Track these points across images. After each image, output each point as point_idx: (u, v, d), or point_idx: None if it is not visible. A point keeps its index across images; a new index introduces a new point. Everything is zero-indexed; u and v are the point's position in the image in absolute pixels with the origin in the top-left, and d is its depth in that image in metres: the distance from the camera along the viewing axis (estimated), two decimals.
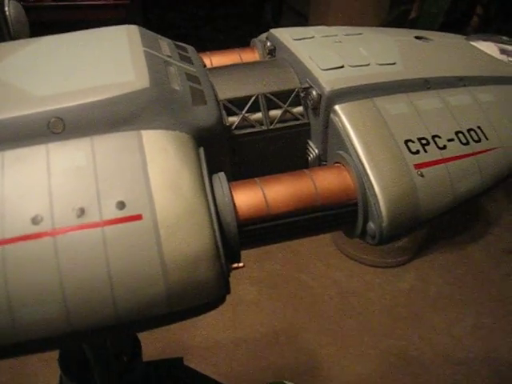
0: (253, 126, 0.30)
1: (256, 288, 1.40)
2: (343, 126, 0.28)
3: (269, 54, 0.36)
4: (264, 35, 0.37)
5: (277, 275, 1.44)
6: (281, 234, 0.27)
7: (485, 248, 1.55)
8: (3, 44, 0.31)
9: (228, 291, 0.25)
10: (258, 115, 0.31)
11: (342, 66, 0.30)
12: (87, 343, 0.25)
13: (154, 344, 1.18)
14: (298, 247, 1.53)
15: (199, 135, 0.27)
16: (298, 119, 0.31)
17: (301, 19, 1.97)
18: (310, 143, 0.32)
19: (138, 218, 0.23)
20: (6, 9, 0.44)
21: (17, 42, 0.31)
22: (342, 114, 0.28)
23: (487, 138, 0.30)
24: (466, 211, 1.68)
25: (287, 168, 0.29)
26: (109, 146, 0.25)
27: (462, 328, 1.32)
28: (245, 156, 0.31)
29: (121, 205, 0.23)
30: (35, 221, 0.22)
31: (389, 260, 1.46)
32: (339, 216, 0.27)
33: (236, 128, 0.30)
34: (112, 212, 0.23)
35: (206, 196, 0.24)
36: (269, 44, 0.36)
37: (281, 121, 0.31)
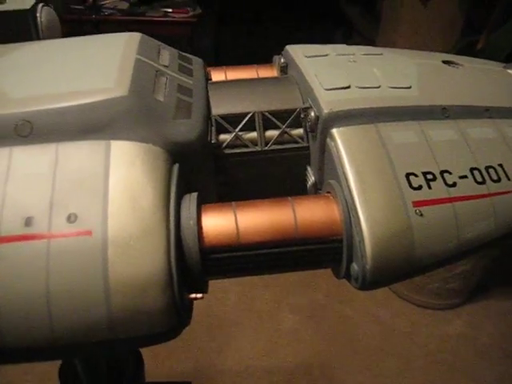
0: (246, 146, 0.28)
1: (296, 316, 1.36)
2: (337, 151, 0.25)
3: (281, 71, 0.34)
4: (279, 56, 0.35)
5: (319, 305, 1.39)
6: (251, 267, 0.24)
7: None
8: (6, 45, 0.31)
9: (183, 323, 0.22)
10: (253, 134, 0.28)
11: (349, 87, 0.27)
12: (28, 361, 0.23)
13: (185, 363, 1.17)
14: (343, 280, 1.47)
15: (177, 151, 0.25)
16: (296, 142, 0.28)
17: (369, 44, 1.93)
18: (309, 169, 0.29)
19: (88, 233, 0.21)
20: (38, 15, 0.44)
21: (19, 44, 0.31)
22: (338, 138, 0.25)
23: (509, 179, 0.26)
24: None
25: (284, 194, 0.26)
26: (73, 155, 0.23)
27: None
28: (235, 177, 0.28)
29: (73, 217, 0.21)
30: None
31: (439, 302, 1.37)
32: (321, 253, 0.24)
33: (227, 147, 0.28)
34: (61, 224, 0.21)
35: (167, 216, 0.22)
36: (282, 61, 0.34)
37: (278, 142, 0.28)
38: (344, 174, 0.24)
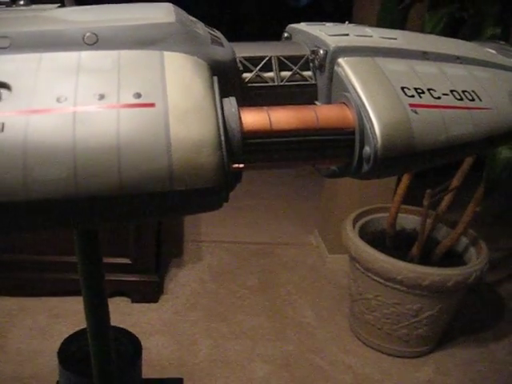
0: (265, 82, 0.34)
1: (268, 366, 1.35)
2: (345, 73, 0.31)
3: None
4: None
5: (290, 356, 1.39)
6: (281, 153, 0.28)
7: (510, 348, 1.48)
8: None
9: (230, 186, 0.26)
10: (270, 74, 0.34)
11: (348, 35, 0.34)
12: (90, 222, 0.26)
13: None
14: (314, 330, 1.49)
15: (215, 67, 0.30)
16: (306, 80, 0.34)
17: None
18: (317, 103, 0.34)
19: (152, 105, 0.26)
20: None
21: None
22: (345, 64, 0.31)
23: (481, 100, 0.32)
24: (490, 309, 1.63)
25: None
26: (133, 57, 0.28)
27: None
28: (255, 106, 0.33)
29: (137, 95, 0.26)
30: (59, 100, 0.25)
31: (408, 349, 1.40)
32: (337, 142, 0.29)
33: (249, 82, 0.33)
34: (128, 99, 0.26)
35: (213, 100, 0.27)
36: (285, 35, 0.40)
37: (290, 80, 0.34)
38: (353, 86, 0.30)
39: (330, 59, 0.32)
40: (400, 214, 1.46)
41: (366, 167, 0.29)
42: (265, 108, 0.29)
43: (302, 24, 0.39)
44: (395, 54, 0.33)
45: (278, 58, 0.34)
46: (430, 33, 1.05)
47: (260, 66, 0.34)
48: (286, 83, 0.34)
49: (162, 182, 0.25)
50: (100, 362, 0.46)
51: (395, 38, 0.35)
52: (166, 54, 0.29)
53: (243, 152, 0.27)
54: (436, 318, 1.33)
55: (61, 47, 0.28)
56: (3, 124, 0.24)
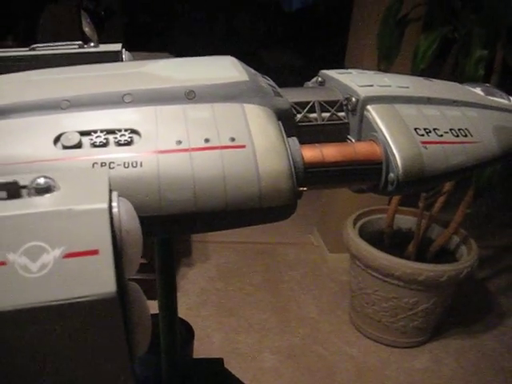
0: (310, 121, 0.45)
1: (276, 357, 1.46)
2: (373, 117, 0.42)
3: (319, 85, 0.51)
4: (315, 78, 0.53)
5: (295, 347, 1.50)
6: (330, 178, 0.40)
7: (498, 338, 1.60)
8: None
9: (295, 205, 0.37)
10: (314, 115, 0.45)
11: (372, 85, 0.45)
12: (204, 230, 0.37)
13: None
14: (317, 323, 1.60)
15: (278, 114, 0.41)
16: (341, 119, 0.45)
17: None
18: (349, 137, 0.45)
19: (243, 146, 0.36)
20: (123, 56, 0.60)
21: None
22: (372, 110, 0.42)
23: (472, 136, 0.43)
24: (480, 302, 1.75)
25: None
26: (223, 109, 0.39)
27: None
28: (302, 140, 0.44)
29: (232, 139, 0.37)
30: (178, 143, 0.36)
31: (405, 340, 1.51)
32: (368, 170, 0.40)
33: (299, 121, 0.44)
34: (227, 141, 0.36)
35: (284, 141, 0.38)
36: (320, 79, 0.51)
37: (329, 120, 0.45)
38: (379, 127, 0.41)
39: (361, 106, 0.43)
40: (396, 215, 1.58)
41: (390, 188, 0.40)
42: (317, 145, 0.40)
43: (333, 72, 0.50)
44: (408, 100, 0.44)
45: (320, 103, 0.45)
46: (425, 52, 1.17)
47: (306, 109, 0.45)
48: (326, 122, 0.45)
49: (254, 202, 0.35)
50: (168, 343, 0.56)
51: (407, 87, 0.46)
52: (246, 105, 0.39)
53: (305, 178, 0.38)
54: (431, 310, 1.45)
55: (168, 101, 0.39)
56: (141, 162, 0.35)
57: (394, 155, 0.39)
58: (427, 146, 0.41)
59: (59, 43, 0.62)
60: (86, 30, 1.78)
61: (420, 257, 1.47)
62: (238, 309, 1.64)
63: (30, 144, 0.36)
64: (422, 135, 0.41)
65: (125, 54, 0.62)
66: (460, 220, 1.45)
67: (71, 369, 0.26)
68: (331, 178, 0.40)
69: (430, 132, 0.42)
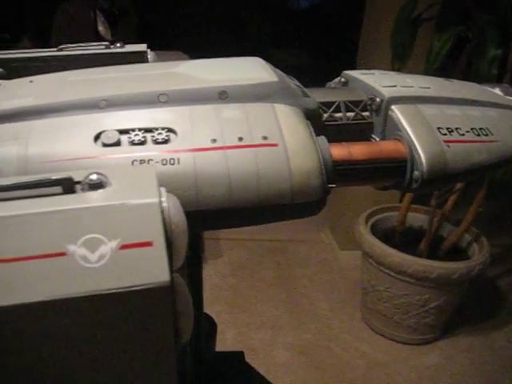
0: (336, 120, 0.46)
1: (289, 353, 1.47)
2: (397, 117, 0.44)
3: (342, 85, 0.53)
4: (338, 78, 0.54)
5: (308, 343, 1.52)
6: (357, 176, 0.41)
7: (508, 335, 1.61)
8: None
9: (325, 201, 0.39)
10: (339, 114, 0.46)
11: (395, 86, 0.46)
12: (238, 225, 0.38)
13: None
14: (329, 320, 1.61)
15: (307, 114, 0.42)
16: (365, 119, 0.47)
17: None
18: (373, 136, 0.47)
19: (275, 145, 0.38)
20: (149, 56, 0.62)
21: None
22: (397, 110, 0.44)
23: (492, 134, 0.45)
24: (490, 300, 1.76)
25: None
26: (255, 108, 0.40)
27: None
28: (329, 140, 0.46)
29: (264, 138, 0.38)
30: (213, 141, 0.38)
31: (415, 337, 1.53)
32: (394, 168, 0.42)
33: (325, 121, 0.46)
34: (259, 140, 0.38)
35: (314, 140, 0.39)
36: (343, 79, 0.53)
37: (354, 119, 0.47)
38: (403, 127, 0.43)
39: (385, 106, 0.45)
40: (408, 213, 1.59)
41: (414, 185, 0.42)
42: (344, 144, 0.42)
43: (356, 72, 0.51)
44: (430, 100, 0.46)
45: (345, 102, 0.47)
46: (438, 52, 1.18)
47: (332, 108, 0.46)
48: (351, 122, 0.46)
49: (286, 198, 0.37)
50: (193, 337, 0.58)
51: (429, 87, 0.48)
52: (276, 105, 0.41)
53: (333, 176, 0.40)
54: (442, 307, 1.46)
55: (202, 101, 0.41)
56: (179, 159, 0.37)
57: (418, 154, 0.41)
58: (450, 144, 0.42)
59: (86, 44, 0.63)
60: (101, 29, 1.81)
61: (432, 254, 1.49)
62: (250, 305, 1.66)
63: (72, 142, 0.37)
64: (445, 134, 0.43)
65: (150, 55, 0.64)
66: (472, 218, 1.45)
67: (121, 353, 0.28)
68: (358, 176, 0.42)
69: (452, 131, 0.43)
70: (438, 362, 1.48)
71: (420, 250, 1.51)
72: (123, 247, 0.25)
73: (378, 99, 0.45)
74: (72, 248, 0.25)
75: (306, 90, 0.46)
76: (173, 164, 0.37)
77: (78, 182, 0.28)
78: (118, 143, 0.37)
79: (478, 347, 1.54)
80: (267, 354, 1.47)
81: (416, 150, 0.41)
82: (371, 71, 0.52)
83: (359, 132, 0.47)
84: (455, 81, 0.53)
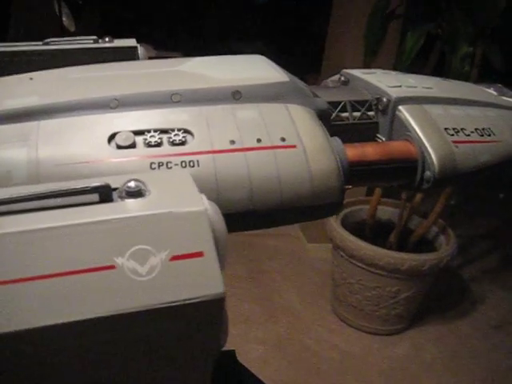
0: (342, 120, 0.46)
1: (262, 347, 1.48)
2: (405, 118, 0.44)
3: (342, 85, 0.53)
4: (336, 76, 0.54)
5: (281, 337, 1.53)
6: (370, 176, 0.41)
7: (472, 323, 1.67)
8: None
9: (342, 202, 0.39)
10: (345, 114, 0.47)
11: (400, 86, 0.47)
12: (261, 226, 0.38)
13: None
14: (300, 313, 1.63)
15: (318, 114, 0.42)
16: (370, 119, 0.47)
17: None
18: (378, 135, 0.47)
19: (294, 147, 0.38)
20: (140, 52, 0.60)
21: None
22: (404, 111, 0.44)
23: (495, 135, 0.46)
24: (454, 290, 1.82)
25: None
26: (269, 109, 0.40)
27: None
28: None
29: (282, 139, 0.38)
30: (232, 142, 0.37)
31: (386, 328, 1.56)
32: (405, 168, 0.42)
33: (332, 120, 0.46)
34: (278, 142, 0.38)
35: (328, 140, 0.39)
36: (343, 78, 0.53)
37: (360, 119, 0.47)
38: (413, 128, 0.43)
39: (392, 106, 0.45)
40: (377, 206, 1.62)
41: (425, 185, 0.42)
42: (357, 144, 0.42)
43: (357, 71, 0.51)
44: (434, 101, 0.47)
45: (351, 102, 0.47)
46: (411, 49, 1.20)
47: (339, 108, 0.46)
48: (358, 121, 0.47)
49: (307, 200, 0.37)
50: None
51: (431, 88, 0.48)
52: (289, 106, 0.41)
53: (349, 176, 0.40)
54: (411, 298, 1.50)
55: (215, 101, 0.40)
56: (198, 161, 0.36)
57: (429, 154, 0.41)
58: (458, 145, 0.43)
59: (73, 38, 0.61)
60: (64, 20, 1.74)
61: (400, 247, 1.52)
62: None
63: (84, 144, 0.36)
64: (452, 135, 0.44)
65: (140, 50, 0.62)
66: (439, 211, 1.50)
67: (163, 363, 0.27)
68: (371, 177, 0.42)
69: (458, 132, 0.44)
70: (408, 351, 1.52)
71: (389, 242, 1.54)
72: (173, 258, 0.24)
73: (384, 99, 0.46)
74: (120, 261, 0.23)
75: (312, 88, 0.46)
76: (192, 166, 0.36)
77: (115, 189, 0.27)
78: (133, 145, 0.36)
79: (446, 336, 1.60)
80: (241, 349, 1.47)
81: (427, 150, 0.42)
82: (372, 70, 0.52)
83: (365, 132, 0.47)
84: (452, 81, 0.54)
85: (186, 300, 0.23)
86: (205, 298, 0.24)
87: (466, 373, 1.46)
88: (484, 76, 1.28)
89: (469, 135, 0.44)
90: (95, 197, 0.26)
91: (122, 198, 0.26)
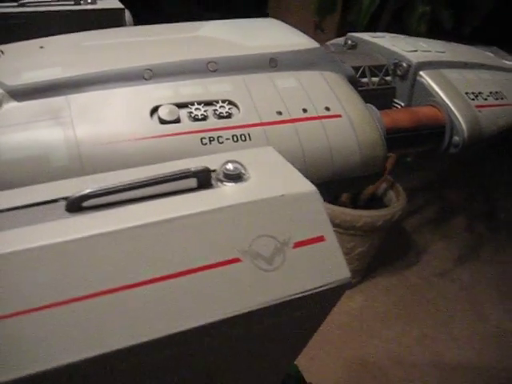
0: (362, 86, 0.46)
1: None
2: (428, 83, 0.44)
3: (349, 49, 0.52)
4: (340, 39, 0.53)
5: None
6: (402, 143, 0.42)
7: (418, 273, 1.77)
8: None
9: (383, 171, 0.39)
10: (365, 80, 0.46)
11: (416, 51, 0.47)
12: None
13: None
14: None
15: (349, 81, 0.41)
16: (388, 84, 0.47)
17: None
18: (396, 100, 0.47)
19: (339, 116, 0.37)
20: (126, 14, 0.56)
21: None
22: (426, 76, 0.45)
23: (506, 98, 0.47)
24: (400, 242, 1.91)
25: None
26: (307, 77, 0.39)
27: (410, 339, 1.49)
28: None
29: (327, 109, 0.37)
30: (279, 113, 0.36)
31: None
32: (434, 134, 0.43)
33: None
34: (323, 111, 0.37)
35: (368, 109, 0.39)
36: (350, 42, 0.52)
37: (378, 84, 0.47)
38: (437, 93, 0.44)
39: (413, 71, 0.45)
40: None
41: (453, 150, 0.43)
42: (387, 111, 0.42)
43: (365, 35, 0.51)
44: (449, 65, 0.47)
45: (369, 67, 0.46)
46: (368, 7, 1.21)
47: (358, 74, 0.46)
48: (377, 87, 0.46)
49: (357, 170, 0.36)
50: None
51: (444, 51, 0.49)
52: (325, 73, 0.40)
53: (386, 143, 0.40)
54: (365, 253, 1.56)
55: (252, 69, 0.38)
56: (249, 134, 0.34)
57: (457, 119, 0.42)
58: (481, 109, 0.44)
59: None
60: None
61: (353, 204, 1.57)
62: None
63: (125, 120, 0.33)
64: (473, 99, 0.45)
65: (127, 13, 0.58)
66: (391, 168, 1.55)
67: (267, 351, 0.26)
68: (402, 143, 0.42)
69: (477, 96, 0.45)
70: (362, 303, 1.59)
71: (342, 201, 1.58)
72: (296, 245, 0.23)
73: (404, 64, 0.46)
74: (244, 253, 0.22)
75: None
76: (244, 140, 0.34)
77: (213, 171, 0.25)
78: (178, 119, 0.34)
79: (395, 286, 1.68)
80: None
81: (455, 116, 0.42)
82: (380, 34, 0.51)
83: (382, 97, 0.47)
84: (458, 44, 0.55)
85: (316, 288, 0.22)
86: (333, 285, 0.23)
87: (416, 320, 1.55)
88: (431, 34, 1.31)
89: (486, 99, 0.46)
90: (192, 182, 0.24)
91: (220, 181, 0.24)
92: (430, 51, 0.48)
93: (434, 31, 1.31)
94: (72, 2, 0.57)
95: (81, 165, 0.31)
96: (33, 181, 0.31)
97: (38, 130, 0.32)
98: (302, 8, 1.59)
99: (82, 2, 0.57)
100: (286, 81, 0.38)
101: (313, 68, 0.40)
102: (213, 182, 0.24)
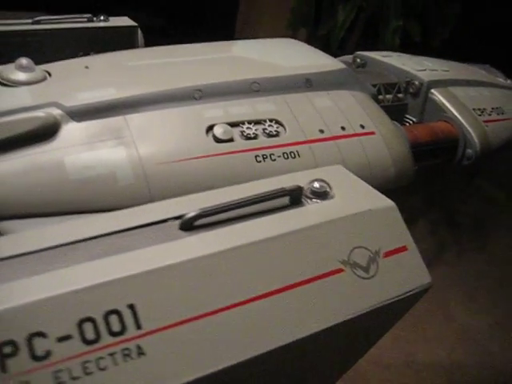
0: (379, 103, 0.49)
1: None
2: (440, 101, 0.48)
3: (358, 67, 0.56)
4: (348, 57, 0.57)
5: None
6: (421, 156, 0.45)
7: None
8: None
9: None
10: (380, 97, 0.50)
11: (425, 69, 0.51)
12: None
13: None
14: None
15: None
16: (401, 101, 0.51)
17: None
18: (408, 116, 0.51)
19: (373, 133, 0.40)
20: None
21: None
22: (437, 93, 0.49)
23: (505, 113, 0.52)
24: None
25: None
26: (339, 96, 0.41)
27: (384, 340, 1.54)
28: None
29: (362, 126, 0.40)
30: (321, 131, 0.38)
31: None
32: (448, 147, 0.46)
33: None
34: (359, 129, 0.39)
35: (395, 125, 0.42)
36: (359, 60, 0.55)
37: (392, 100, 0.50)
38: (449, 109, 0.47)
39: (425, 89, 0.49)
40: None
41: (465, 162, 0.47)
42: (408, 126, 0.45)
43: (373, 54, 0.54)
44: (455, 83, 0.51)
45: (384, 85, 0.50)
46: (344, 22, 1.25)
47: (375, 90, 0.49)
48: (392, 103, 0.50)
49: (392, 183, 0.39)
50: None
51: (448, 70, 0.53)
52: (353, 92, 0.43)
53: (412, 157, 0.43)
54: None
55: (290, 89, 0.40)
56: (297, 151, 0.37)
57: (470, 134, 0.46)
58: (487, 124, 0.48)
59: (66, 16, 0.57)
60: None
61: None
62: None
63: (182, 139, 0.35)
64: (480, 115, 0.49)
65: (139, 30, 0.59)
66: None
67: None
68: (421, 156, 0.46)
69: (483, 112, 0.49)
70: None
71: None
72: (386, 255, 0.25)
73: (416, 83, 0.49)
74: (346, 263, 0.24)
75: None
76: (294, 157, 0.37)
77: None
78: (232, 138, 0.36)
79: None
80: None
81: (467, 130, 0.46)
82: (387, 53, 0.55)
83: (396, 113, 0.51)
84: (454, 62, 0.59)
85: (406, 293, 0.25)
86: (418, 290, 0.25)
87: None
88: (402, 47, 1.38)
89: (490, 114, 0.50)
90: (284, 200, 0.26)
91: (309, 198, 0.27)
92: (436, 70, 0.52)
93: (404, 44, 1.37)
94: (85, 19, 0.58)
95: (146, 183, 0.33)
96: (101, 199, 0.32)
97: (102, 149, 0.33)
98: (274, 21, 1.62)
99: (95, 19, 0.58)
100: (322, 100, 0.41)
101: (342, 87, 0.42)
102: (302, 199, 0.27)
